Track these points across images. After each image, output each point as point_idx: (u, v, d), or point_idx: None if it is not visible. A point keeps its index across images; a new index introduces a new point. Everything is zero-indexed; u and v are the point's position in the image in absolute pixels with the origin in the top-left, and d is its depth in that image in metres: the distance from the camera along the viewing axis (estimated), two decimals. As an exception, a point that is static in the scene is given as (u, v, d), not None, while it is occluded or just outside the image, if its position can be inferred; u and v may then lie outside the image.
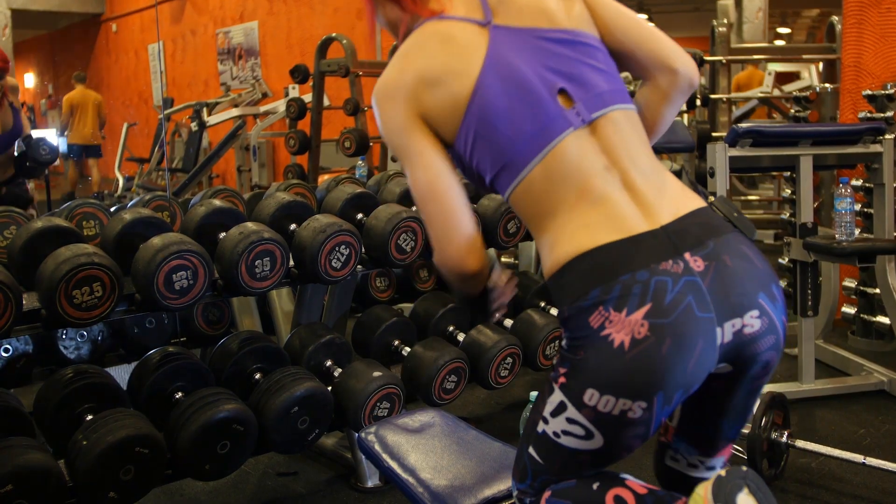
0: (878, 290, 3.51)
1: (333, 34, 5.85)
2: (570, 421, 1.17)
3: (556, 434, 1.19)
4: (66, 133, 9.75)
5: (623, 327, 1.11)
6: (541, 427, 1.22)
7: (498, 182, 1.27)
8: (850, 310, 3.83)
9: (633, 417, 1.13)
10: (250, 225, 2.22)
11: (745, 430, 2.34)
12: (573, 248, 1.18)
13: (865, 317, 3.74)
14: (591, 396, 1.14)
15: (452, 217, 1.27)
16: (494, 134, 1.23)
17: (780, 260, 3.60)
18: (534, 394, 2.68)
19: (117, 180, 9.00)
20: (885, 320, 3.59)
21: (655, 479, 1.39)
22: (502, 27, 1.27)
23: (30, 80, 17.01)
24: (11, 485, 1.80)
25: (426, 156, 1.26)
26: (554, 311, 3.02)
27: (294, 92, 6.61)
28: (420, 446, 1.68)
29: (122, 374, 2.66)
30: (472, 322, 2.88)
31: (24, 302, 1.92)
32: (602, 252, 1.17)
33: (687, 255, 1.14)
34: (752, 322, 1.16)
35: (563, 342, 1.21)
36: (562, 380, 1.18)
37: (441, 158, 1.26)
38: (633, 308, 1.11)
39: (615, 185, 1.21)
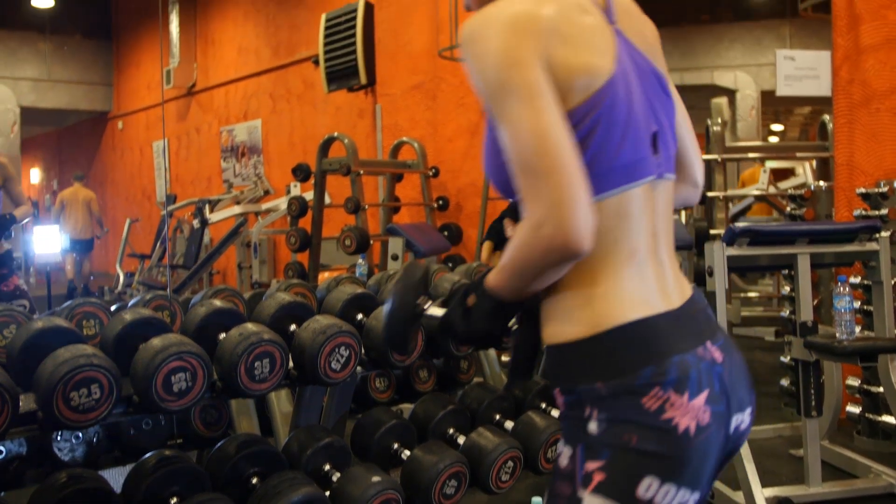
0: (881, 389, 3.48)
1: (335, 133, 5.96)
2: None
3: None
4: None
5: (687, 412, 1.02)
6: None
7: (597, 182, 1.07)
8: (854, 409, 3.79)
9: None
10: (250, 326, 2.21)
11: (753, 537, 2.29)
12: (615, 314, 1.05)
13: (871, 416, 3.70)
14: (648, 487, 1.01)
15: (573, 169, 1.00)
16: (613, 133, 1.06)
17: (781, 358, 3.59)
18: (536, 499, 2.64)
19: (118, 276, 9.04)
20: (891, 420, 3.55)
21: None
22: (623, 35, 1.14)
23: (35, 175, 17.26)
24: None
25: (543, 99, 1.01)
26: (555, 412, 2.99)
27: (296, 190, 6.71)
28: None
29: (116, 476, 2.62)
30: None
31: (20, 403, 1.91)
32: (647, 327, 1.06)
33: (708, 344, 1.08)
34: (746, 419, 1.13)
35: (592, 426, 1.04)
36: (598, 477, 1.02)
37: (559, 107, 1.03)
38: (694, 392, 1.03)
39: (655, 253, 1.12)
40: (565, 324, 1.08)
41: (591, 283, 1.07)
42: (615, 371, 1.03)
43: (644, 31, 1.21)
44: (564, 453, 1.07)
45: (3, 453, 2.62)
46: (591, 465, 1.03)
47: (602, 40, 1.09)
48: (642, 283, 1.09)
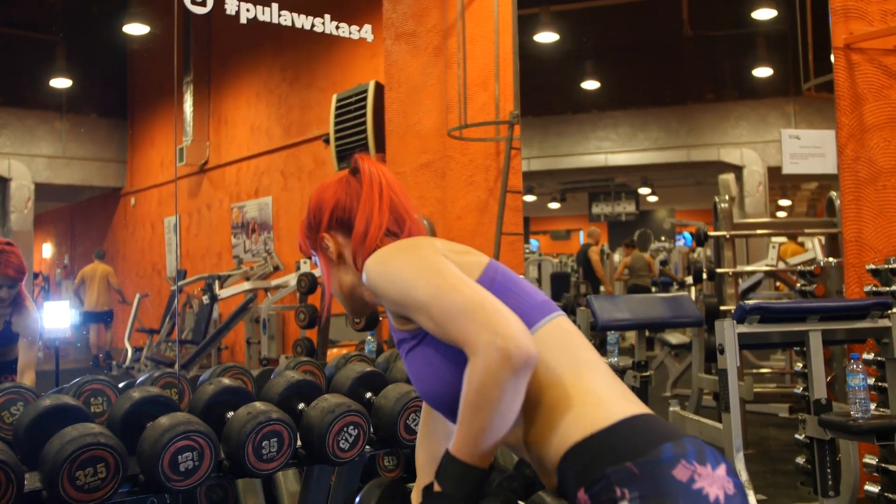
0: (899, 469, 3.41)
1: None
2: None
3: None
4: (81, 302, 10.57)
5: (714, 482, 1.07)
6: None
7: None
8: (873, 488, 3.70)
9: None
10: (259, 405, 2.21)
11: None
12: (616, 409, 1.15)
13: (890, 495, 3.61)
14: None
15: (497, 301, 1.16)
16: (515, 287, 1.27)
17: (796, 436, 3.53)
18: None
19: (126, 351, 9.02)
20: (910, 500, 3.47)
21: None
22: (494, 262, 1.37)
23: (47, 250, 17.39)
24: None
25: (452, 267, 1.22)
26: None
27: (305, 266, 6.73)
28: None
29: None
30: None
31: (25, 482, 1.89)
32: (650, 417, 1.16)
33: None
34: None
35: None
36: None
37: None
38: (714, 464, 1.09)
39: (607, 368, 1.26)
40: (573, 427, 1.14)
41: (573, 390, 1.17)
42: (641, 450, 1.08)
43: None
44: None
45: (6, 534, 2.58)
46: None
47: (477, 253, 1.33)
48: (616, 385, 1.21)
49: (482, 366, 1.10)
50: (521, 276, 1.37)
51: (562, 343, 1.23)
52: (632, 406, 1.17)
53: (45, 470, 1.91)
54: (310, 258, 1.59)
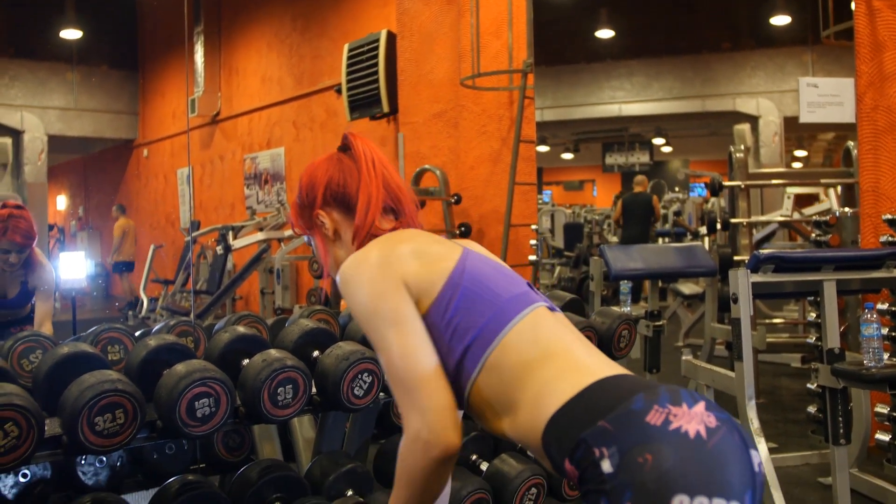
0: (910, 417, 3.43)
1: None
2: None
3: None
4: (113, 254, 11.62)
5: (692, 418, 1.03)
6: None
7: (480, 339, 1.26)
8: (884, 436, 3.72)
9: None
10: (273, 352, 2.22)
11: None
12: (592, 375, 1.17)
13: (900, 444, 3.64)
14: None
15: (437, 380, 1.24)
16: (484, 291, 1.29)
17: (808, 385, 3.54)
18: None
19: (142, 301, 9.10)
20: (921, 448, 3.49)
21: None
22: (470, 249, 1.41)
23: (62, 202, 17.47)
24: None
25: (410, 324, 1.26)
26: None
27: (319, 216, 6.74)
28: (443, 584, 1.63)
29: (140, 500, 2.62)
30: None
31: (46, 428, 1.92)
32: (625, 376, 1.17)
33: None
34: (759, 459, 1.13)
35: (605, 465, 1.03)
36: None
37: (423, 326, 1.27)
38: (690, 403, 1.06)
39: (588, 348, 1.29)
40: (546, 407, 1.16)
41: (549, 369, 1.20)
42: (611, 406, 1.07)
43: (498, 258, 1.49)
44: None
45: (28, 477, 2.63)
46: None
47: (448, 252, 1.35)
48: (590, 357, 1.24)
49: (407, 451, 1.24)
50: (498, 264, 1.40)
51: (534, 336, 1.26)
52: (603, 371, 1.18)
53: (65, 416, 1.94)
54: (303, 237, 1.61)
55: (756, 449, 1.11)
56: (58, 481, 2.73)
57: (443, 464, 1.22)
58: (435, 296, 1.29)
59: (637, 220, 9.31)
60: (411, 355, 1.24)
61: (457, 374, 1.28)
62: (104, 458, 2.77)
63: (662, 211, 10.86)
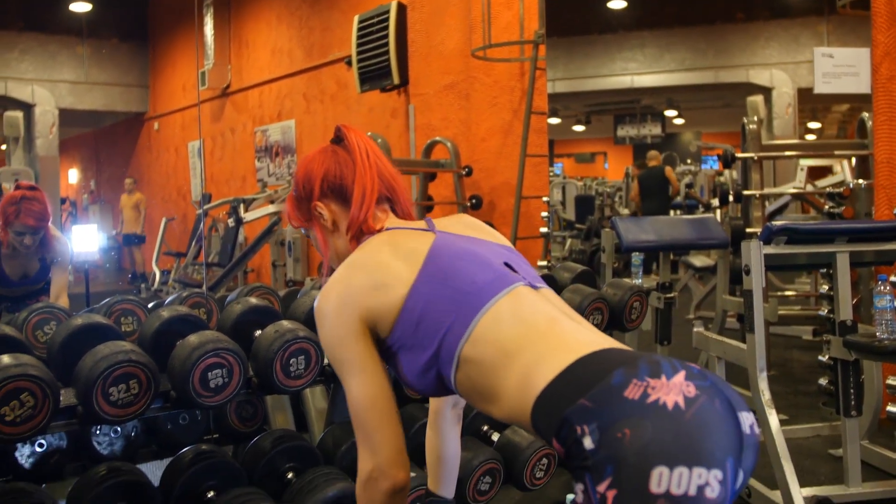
0: (922, 390, 3.42)
1: (369, 133, 5.98)
2: None
3: None
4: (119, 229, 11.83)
5: (670, 389, 1.03)
6: None
7: (450, 335, 1.29)
8: (895, 409, 3.72)
9: (711, 497, 0.99)
10: (286, 323, 2.23)
11: (791, 537, 2.27)
12: (573, 353, 1.17)
13: (911, 417, 3.63)
14: (660, 478, 0.99)
15: (390, 425, 1.34)
16: (449, 288, 1.31)
17: (819, 357, 3.54)
18: (571, 496, 2.62)
19: (154, 274, 9.14)
20: (933, 420, 3.48)
21: None
22: (445, 233, 1.45)
23: (73, 175, 17.51)
24: (41, 587, 1.78)
25: (370, 367, 1.34)
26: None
27: (330, 188, 6.73)
28: (455, 552, 1.64)
29: (154, 469, 2.65)
30: None
31: (61, 398, 1.94)
32: (608, 350, 1.17)
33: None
34: (753, 419, 1.12)
35: (587, 441, 1.05)
36: (611, 494, 1.01)
37: (383, 371, 1.36)
38: (670, 374, 1.06)
39: (575, 323, 1.29)
40: (531, 388, 1.17)
41: (529, 353, 1.21)
42: (590, 382, 1.08)
43: (483, 231, 1.52)
44: (578, 491, 1.07)
45: (45, 446, 2.66)
46: (602, 487, 1.02)
47: (415, 256, 1.37)
48: (574, 332, 1.24)
49: (361, 487, 1.35)
50: (472, 247, 1.41)
51: (512, 318, 1.27)
52: (586, 347, 1.17)
53: (80, 386, 1.95)
54: (301, 230, 1.63)
55: (748, 410, 1.10)
56: (73, 451, 2.76)
57: (392, 496, 1.32)
58: (397, 312, 1.33)
59: (654, 195, 9.26)
60: (369, 405, 1.33)
61: (439, 367, 1.32)
62: (119, 429, 2.80)
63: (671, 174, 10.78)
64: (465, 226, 1.51)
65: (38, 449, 2.66)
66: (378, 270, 1.36)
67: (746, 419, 1.09)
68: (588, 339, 1.22)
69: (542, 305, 1.31)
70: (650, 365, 1.08)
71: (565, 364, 1.15)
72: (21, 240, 3.17)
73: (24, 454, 2.64)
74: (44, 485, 2.57)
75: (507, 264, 1.39)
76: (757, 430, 1.11)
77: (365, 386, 1.33)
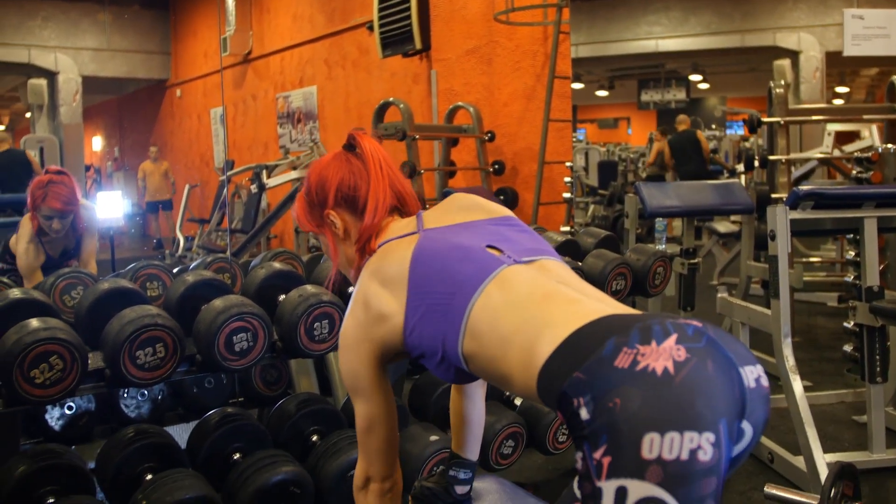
0: (949, 356, 3.39)
1: (390, 98, 5.96)
2: None
3: None
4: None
5: (660, 355, 1.03)
6: None
7: (448, 338, 1.33)
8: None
9: (704, 461, 0.99)
10: (309, 288, 2.24)
11: (814, 502, 2.26)
12: (568, 328, 1.16)
13: (937, 383, 3.61)
14: (651, 444, 0.99)
15: (385, 447, 1.49)
16: (432, 296, 1.35)
17: (844, 324, 3.51)
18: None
19: (178, 240, 9.20)
20: (958, 387, 3.46)
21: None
22: (432, 228, 1.47)
23: (97, 143, 17.61)
24: (72, 545, 1.82)
25: (376, 397, 1.47)
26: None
27: (351, 155, 6.71)
28: (478, 514, 1.66)
29: (180, 432, 2.68)
30: None
31: (89, 361, 1.96)
32: (604, 319, 1.16)
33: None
34: (759, 372, 1.11)
35: (583, 413, 1.06)
36: (606, 461, 1.02)
37: (387, 401, 1.48)
38: (660, 339, 1.05)
39: (574, 291, 1.28)
40: (532, 366, 1.18)
41: (524, 332, 1.22)
42: (584, 355, 1.09)
43: (476, 209, 1.53)
44: (578, 459, 1.08)
45: (74, 409, 2.70)
46: (598, 454, 1.03)
47: (398, 279, 1.40)
48: (578, 305, 1.22)
49: (358, 495, 1.52)
50: (458, 232, 1.43)
51: (503, 304, 1.27)
52: (581, 318, 1.17)
53: (107, 349, 1.98)
54: (312, 234, 1.67)
55: (753, 364, 1.10)
56: (102, 414, 2.81)
57: (383, 495, 1.50)
58: (400, 334, 1.40)
59: (688, 158, 9.15)
60: (367, 429, 1.48)
61: (453, 366, 1.37)
62: (146, 392, 2.84)
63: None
64: (458, 209, 1.52)
65: (67, 411, 2.71)
66: (374, 304, 1.42)
67: (751, 373, 1.08)
68: (584, 308, 1.21)
69: (534, 281, 1.30)
70: (641, 331, 1.07)
71: (560, 339, 1.15)
72: (49, 224, 3.19)
73: (53, 416, 2.69)
74: (73, 447, 2.61)
75: (490, 246, 1.39)
76: (765, 382, 1.11)
77: (369, 413, 1.47)
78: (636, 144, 12.18)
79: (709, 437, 1.00)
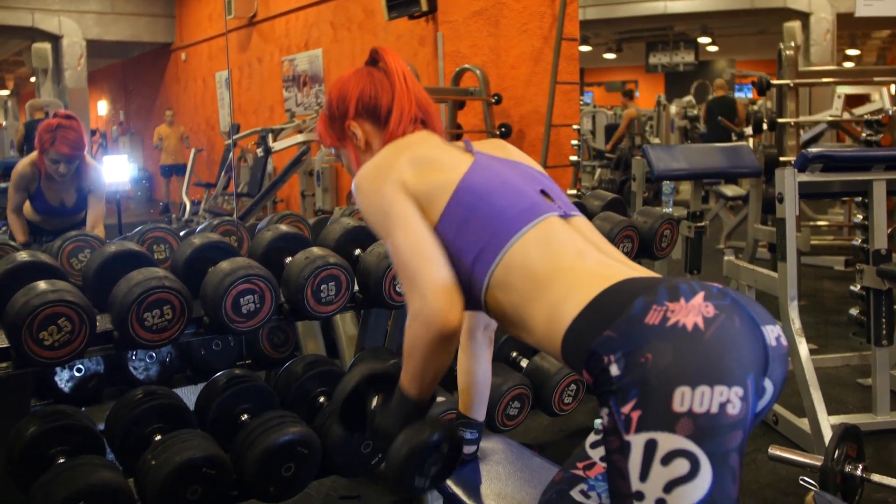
0: (956, 319, 3.38)
1: (397, 61, 5.91)
2: (666, 460, 1.01)
3: (660, 502, 1.01)
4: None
5: (689, 311, 1.06)
6: None
7: (483, 256, 1.30)
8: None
9: (732, 414, 1.01)
10: (316, 250, 2.24)
11: (818, 463, 2.28)
12: (597, 286, 1.18)
13: (943, 346, 3.60)
14: (682, 398, 1.01)
15: (437, 266, 1.30)
16: (487, 207, 1.31)
17: (851, 287, 3.51)
18: (598, 421, 2.65)
19: (184, 204, 9.21)
20: (965, 350, 3.46)
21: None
22: (483, 154, 1.43)
23: (102, 107, 17.55)
24: (83, 502, 1.84)
25: (411, 220, 1.33)
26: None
27: (358, 118, 6.68)
28: (484, 473, 1.67)
29: (189, 395, 2.70)
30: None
31: (97, 324, 1.97)
32: (629, 280, 1.18)
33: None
34: (779, 332, 1.14)
35: (613, 369, 1.07)
36: (636, 415, 1.03)
37: (424, 225, 1.34)
38: (689, 296, 1.08)
39: (602, 254, 1.29)
40: (560, 322, 1.18)
41: (557, 286, 1.22)
42: (614, 314, 1.11)
43: (518, 155, 1.51)
44: (604, 415, 1.09)
45: (83, 371, 2.72)
46: (626, 408, 1.05)
47: (453, 161, 1.38)
48: (606, 266, 1.24)
49: (411, 328, 1.31)
50: (511, 171, 1.40)
51: (541, 249, 1.27)
52: (610, 279, 1.18)
53: (115, 312, 1.99)
54: (331, 150, 1.65)
55: (773, 323, 1.13)
56: (111, 376, 2.83)
57: (441, 339, 1.29)
58: (439, 212, 1.34)
59: (721, 126, 9.03)
60: (413, 252, 1.31)
61: (469, 285, 1.33)
62: (154, 354, 2.86)
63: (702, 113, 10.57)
64: (501, 149, 1.50)
65: (76, 374, 2.73)
66: (422, 147, 1.40)
67: (771, 332, 1.11)
68: (612, 270, 1.23)
69: (571, 237, 1.31)
70: (669, 289, 1.10)
71: (590, 298, 1.17)
72: (56, 168, 3.20)
73: (63, 379, 2.71)
74: (83, 408, 2.63)
75: (542, 192, 1.39)
76: (784, 341, 1.14)
77: (407, 237, 1.32)
78: (644, 108, 12.08)
79: (738, 391, 1.03)
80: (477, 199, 1.33)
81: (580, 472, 1.29)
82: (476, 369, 1.70)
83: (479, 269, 1.30)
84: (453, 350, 1.34)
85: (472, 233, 1.31)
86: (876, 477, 2.40)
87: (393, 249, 1.34)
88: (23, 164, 3.28)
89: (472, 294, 1.33)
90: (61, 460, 2.02)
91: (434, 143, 1.44)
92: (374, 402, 1.51)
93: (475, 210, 1.32)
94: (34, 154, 3.27)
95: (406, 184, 1.35)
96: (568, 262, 1.26)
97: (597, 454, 1.28)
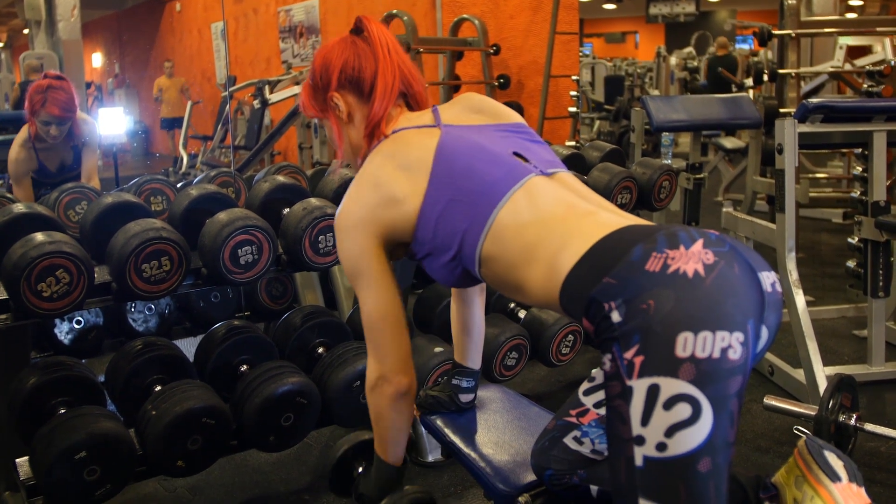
0: (953, 271, 3.39)
1: (394, 11, 5.84)
2: (668, 404, 1.02)
3: (661, 446, 1.03)
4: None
5: (689, 258, 1.07)
6: (639, 455, 1.05)
7: (469, 236, 1.31)
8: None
9: (734, 359, 1.03)
10: (314, 201, 2.24)
11: (812, 413, 2.30)
12: (593, 236, 1.18)
13: (939, 298, 3.62)
14: (684, 343, 1.02)
15: (397, 337, 1.40)
16: (462, 190, 1.32)
17: (849, 239, 3.51)
18: (596, 371, 2.67)
19: (181, 157, 9.16)
20: (961, 302, 3.47)
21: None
22: (453, 125, 1.44)
23: (97, 59, 17.36)
24: (85, 451, 1.86)
25: (383, 281, 1.39)
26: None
27: (355, 69, 6.61)
28: (482, 422, 1.69)
29: (188, 346, 2.72)
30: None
31: (95, 275, 1.97)
32: (625, 228, 1.18)
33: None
34: (775, 278, 1.15)
35: (614, 316, 1.08)
36: (639, 360, 1.04)
37: (394, 287, 1.41)
38: (688, 243, 1.09)
39: (592, 205, 1.30)
40: (556, 275, 1.19)
41: (550, 242, 1.22)
42: (612, 261, 1.11)
43: (491, 112, 1.50)
44: (605, 362, 1.10)
45: (82, 323, 2.73)
46: (629, 354, 1.06)
47: (424, 154, 1.37)
48: (599, 217, 1.24)
49: (372, 399, 1.44)
50: (480, 137, 1.39)
51: (529, 211, 1.27)
52: (605, 228, 1.19)
53: (113, 263, 1.99)
54: (314, 120, 1.62)
55: (769, 269, 1.14)
56: (110, 328, 2.84)
57: (398, 399, 1.41)
58: (414, 222, 1.35)
59: (727, 83, 8.95)
60: (379, 318, 1.39)
61: (463, 265, 1.35)
62: (153, 306, 2.87)
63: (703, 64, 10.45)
64: (471, 110, 1.49)
65: (76, 326, 2.74)
66: (386, 185, 1.37)
67: (767, 278, 1.12)
68: (605, 219, 1.23)
69: (557, 192, 1.31)
70: (668, 237, 1.10)
71: (586, 248, 1.17)
72: (47, 130, 3.16)
73: (62, 331, 2.72)
74: (83, 360, 2.65)
75: (516, 154, 1.38)
76: (779, 287, 1.15)
77: (376, 300, 1.39)
78: (644, 59, 11.96)
79: (738, 336, 1.04)
80: (452, 189, 1.33)
81: (573, 419, 1.31)
82: (468, 317, 1.71)
83: (468, 251, 1.31)
84: (412, 403, 1.45)
85: (454, 219, 1.32)
86: (869, 426, 2.42)
87: (361, 305, 1.42)
88: (14, 150, 3.23)
89: (469, 273, 1.35)
90: (62, 410, 2.04)
91: (398, 153, 1.41)
92: (360, 469, 1.74)
93: (452, 199, 1.32)
94: (21, 134, 3.23)
95: (380, 229, 1.38)
96: (559, 216, 1.26)
97: (590, 401, 1.29)
